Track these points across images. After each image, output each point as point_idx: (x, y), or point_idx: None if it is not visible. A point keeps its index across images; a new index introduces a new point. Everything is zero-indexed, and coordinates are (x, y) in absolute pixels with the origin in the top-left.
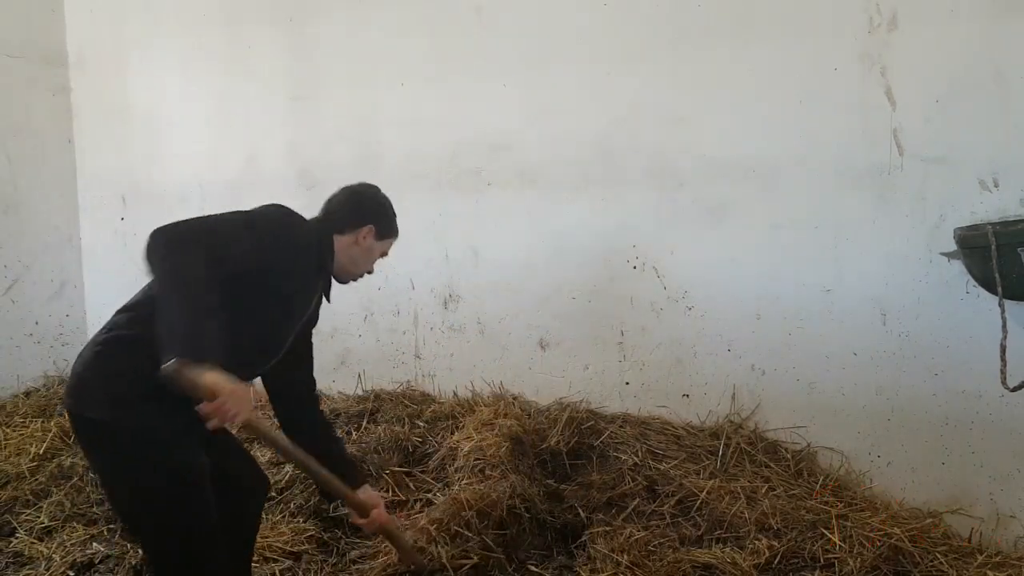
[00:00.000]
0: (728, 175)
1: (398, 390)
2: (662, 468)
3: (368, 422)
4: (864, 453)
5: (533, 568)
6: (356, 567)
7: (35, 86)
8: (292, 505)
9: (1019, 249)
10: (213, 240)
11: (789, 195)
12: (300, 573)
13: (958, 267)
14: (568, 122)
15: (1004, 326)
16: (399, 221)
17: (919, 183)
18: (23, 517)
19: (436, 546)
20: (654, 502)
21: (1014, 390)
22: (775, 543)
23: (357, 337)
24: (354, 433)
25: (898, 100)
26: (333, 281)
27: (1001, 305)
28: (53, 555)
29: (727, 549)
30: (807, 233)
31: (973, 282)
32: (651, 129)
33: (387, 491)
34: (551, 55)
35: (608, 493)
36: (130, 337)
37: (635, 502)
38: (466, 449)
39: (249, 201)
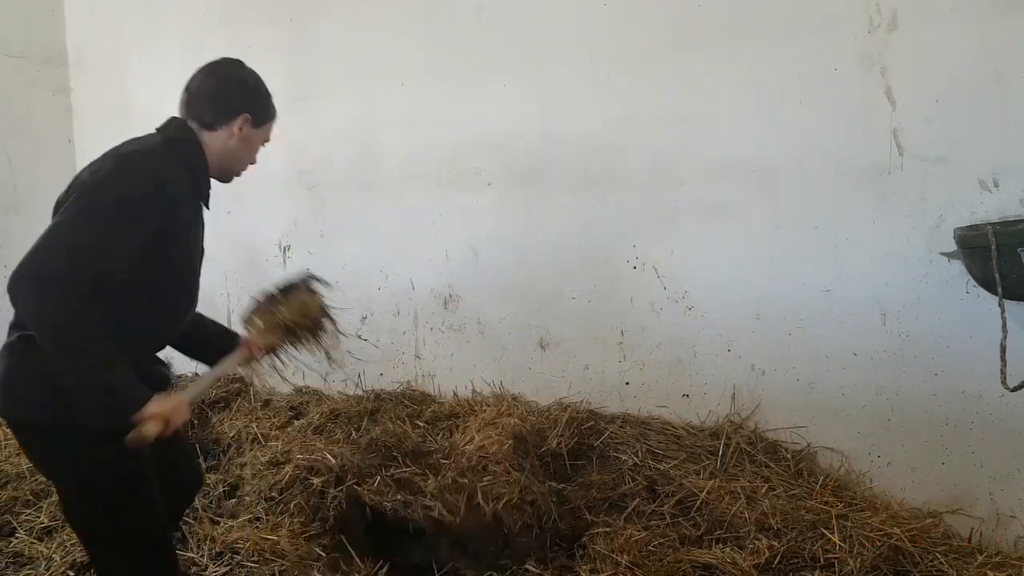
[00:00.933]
0: (728, 175)
1: (398, 390)
2: (662, 468)
3: (368, 422)
4: (864, 453)
5: (532, 568)
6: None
7: (35, 86)
8: (291, 505)
9: (1019, 249)
10: (84, 275)
11: (789, 195)
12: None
13: (958, 267)
14: (568, 122)
15: (1004, 326)
16: (399, 221)
17: (919, 183)
18: (23, 517)
19: None
20: (654, 502)
21: (1014, 390)
22: (775, 543)
23: (357, 337)
24: (354, 433)
25: (898, 100)
26: (214, 184)
27: (1001, 305)
28: (53, 555)
29: (727, 549)
30: (807, 233)
31: (973, 282)
32: (651, 129)
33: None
34: (551, 55)
35: (608, 493)
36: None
37: (635, 502)
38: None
39: (249, 201)
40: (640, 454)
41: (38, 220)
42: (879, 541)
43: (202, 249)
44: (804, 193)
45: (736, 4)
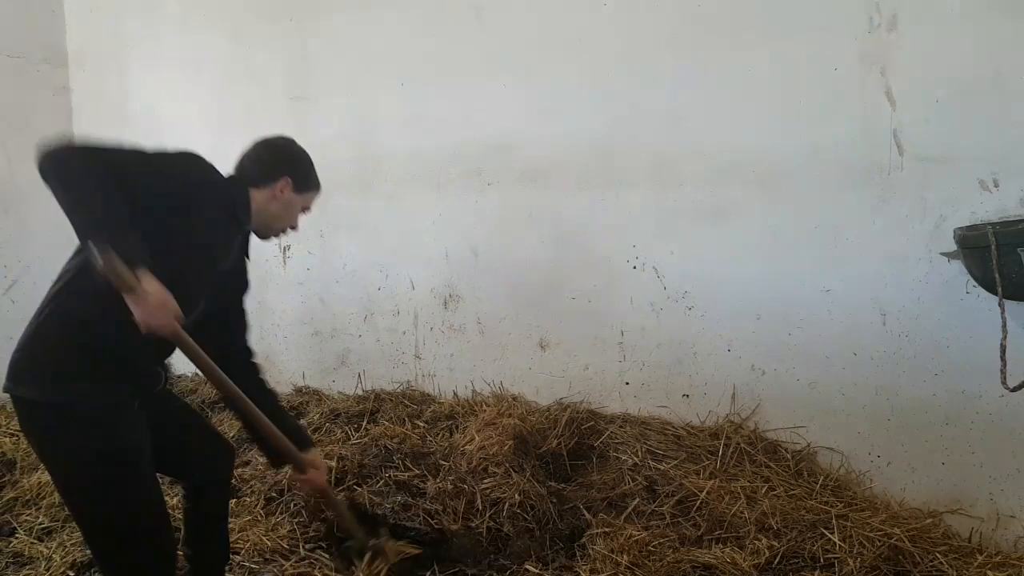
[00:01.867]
0: (728, 175)
1: (398, 390)
2: (662, 468)
3: (368, 422)
4: (864, 453)
5: (532, 569)
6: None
7: (35, 86)
8: (292, 506)
9: (1019, 249)
10: (114, 158)
11: (789, 195)
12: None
13: (958, 267)
14: (568, 122)
15: (1004, 326)
16: (399, 221)
17: (919, 183)
18: (23, 517)
19: None
20: (654, 502)
21: (1014, 390)
22: (775, 543)
23: (357, 337)
24: (353, 435)
25: (898, 100)
26: (254, 238)
27: (1001, 305)
28: (53, 555)
29: (727, 549)
30: (807, 233)
31: (973, 282)
32: (651, 129)
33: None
34: (551, 55)
35: (608, 493)
36: (61, 312)
37: (635, 502)
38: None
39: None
40: (640, 454)
41: (38, 220)
42: (879, 541)
43: (240, 284)
44: (804, 193)
45: (736, 4)
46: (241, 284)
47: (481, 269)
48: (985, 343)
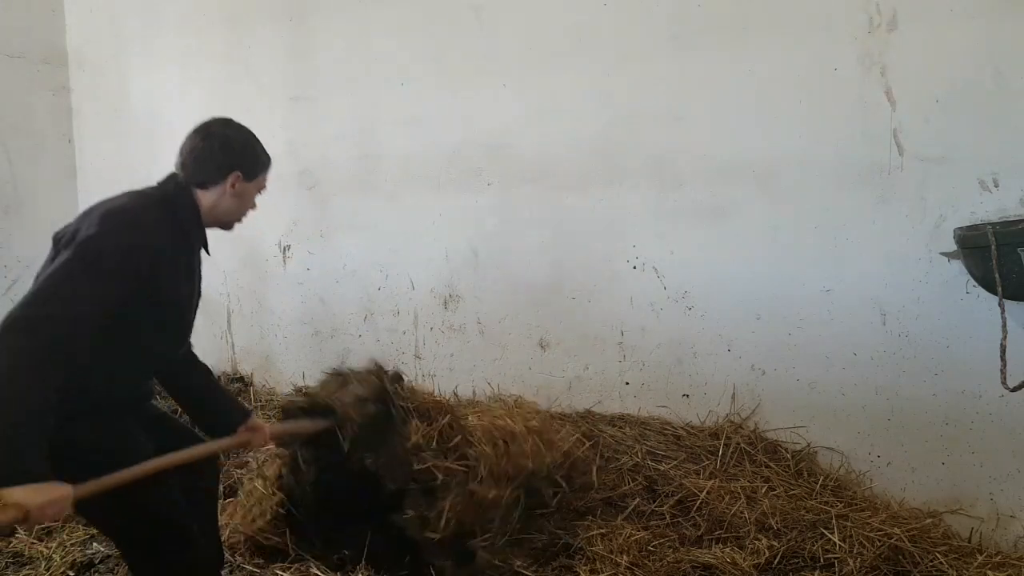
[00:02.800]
0: (728, 175)
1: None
2: (662, 468)
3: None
4: (864, 453)
5: (530, 572)
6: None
7: (35, 86)
8: None
9: (1019, 249)
10: (52, 325)
11: (789, 195)
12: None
13: (958, 267)
14: (568, 122)
15: (1004, 326)
16: (399, 221)
17: (919, 183)
18: None
19: None
20: (654, 502)
21: (1014, 390)
22: (775, 543)
23: (357, 337)
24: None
25: (898, 100)
26: (212, 232)
27: (1001, 305)
28: (53, 555)
29: (727, 549)
30: (807, 233)
31: (973, 282)
32: (651, 129)
33: None
34: (551, 55)
35: (608, 493)
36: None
37: (635, 502)
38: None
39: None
40: (640, 454)
41: (38, 220)
42: (879, 541)
43: (199, 293)
44: (804, 193)
45: (736, 4)
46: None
47: (481, 269)
48: (985, 343)
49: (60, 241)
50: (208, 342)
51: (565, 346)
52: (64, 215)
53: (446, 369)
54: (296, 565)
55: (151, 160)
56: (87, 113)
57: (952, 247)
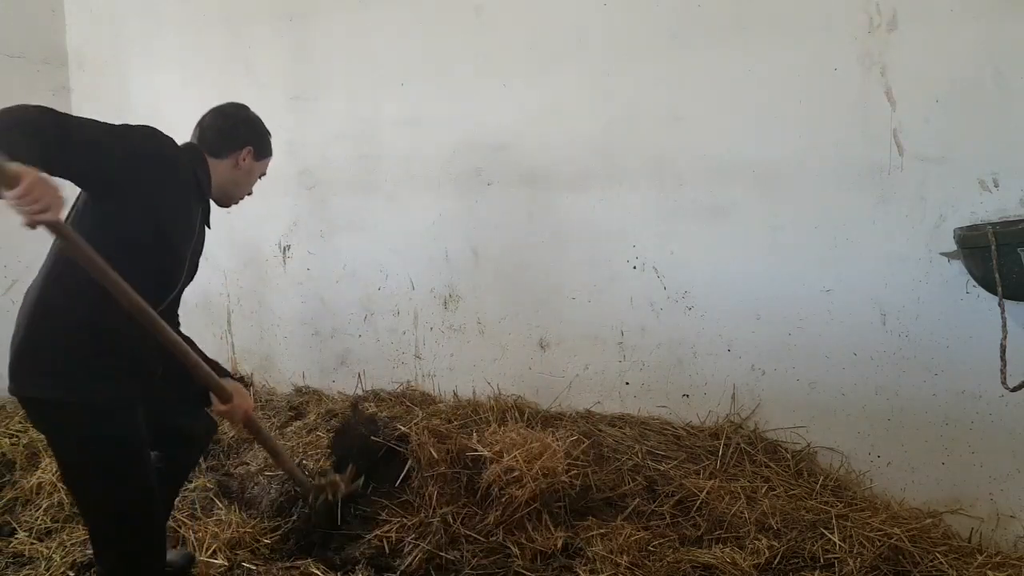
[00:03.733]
0: (728, 175)
1: (398, 390)
2: (662, 468)
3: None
4: (864, 453)
5: (530, 571)
6: None
7: (35, 86)
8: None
9: (1019, 249)
10: (63, 120)
11: (789, 195)
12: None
13: (958, 267)
14: (568, 122)
15: (1004, 326)
16: (399, 221)
17: (919, 183)
18: (23, 517)
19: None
20: (654, 502)
21: (1014, 390)
22: (775, 543)
23: (357, 337)
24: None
25: (898, 100)
26: (213, 207)
27: (1001, 305)
28: (53, 555)
29: (727, 549)
30: (807, 233)
31: (973, 282)
32: (651, 129)
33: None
34: (551, 55)
35: (607, 493)
36: (59, 312)
37: (635, 502)
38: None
39: (249, 201)
40: (640, 454)
41: None
42: (879, 541)
43: (201, 242)
44: (804, 193)
45: (736, 4)
46: (198, 247)
47: (481, 269)
48: (985, 343)
49: None
50: (208, 342)
51: (565, 346)
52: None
53: (446, 369)
54: (296, 565)
55: None
56: (87, 113)
57: (952, 247)
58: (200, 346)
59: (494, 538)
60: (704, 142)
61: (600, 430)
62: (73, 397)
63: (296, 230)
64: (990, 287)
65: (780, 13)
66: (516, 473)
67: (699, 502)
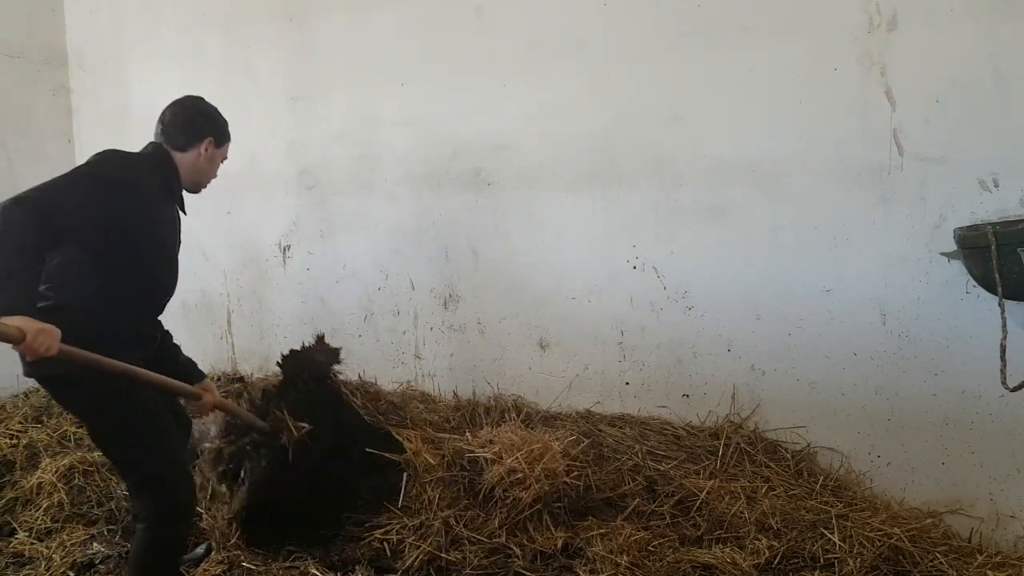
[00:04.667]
0: (728, 175)
1: (398, 390)
2: (662, 468)
3: None
4: (864, 453)
5: (530, 572)
6: None
7: (35, 86)
8: None
9: (1019, 249)
10: (42, 200)
11: (789, 195)
12: None
13: (958, 267)
14: (568, 122)
15: (1004, 326)
16: (399, 221)
17: (919, 183)
18: (23, 517)
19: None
20: (654, 502)
21: (1014, 390)
22: (775, 543)
23: (357, 337)
24: None
25: (898, 100)
26: (186, 195)
27: (1001, 305)
28: (53, 555)
29: (727, 549)
30: (807, 233)
31: (973, 282)
32: (651, 129)
33: None
34: (551, 55)
35: (607, 493)
36: (67, 303)
37: (635, 502)
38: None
39: (249, 200)
40: (640, 454)
41: None
42: (879, 541)
43: (179, 242)
44: (804, 193)
45: (736, 4)
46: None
47: (481, 269)
48: (985, 343)
49: None
50: (208, 342)
51: (565, 346)
52: None
53: (446, 369)
54: (296, 565)
55: None
56: (87, 113)
57: (952, 247)
58: (200, 346)
59: (497, 539)
60: (704, 142)
61: (600, 430)
62: (79, 372)
63: (296, 230)
64: (990, 287)
65: (780, 13)
66: (519, 475)
67: (699, 502)
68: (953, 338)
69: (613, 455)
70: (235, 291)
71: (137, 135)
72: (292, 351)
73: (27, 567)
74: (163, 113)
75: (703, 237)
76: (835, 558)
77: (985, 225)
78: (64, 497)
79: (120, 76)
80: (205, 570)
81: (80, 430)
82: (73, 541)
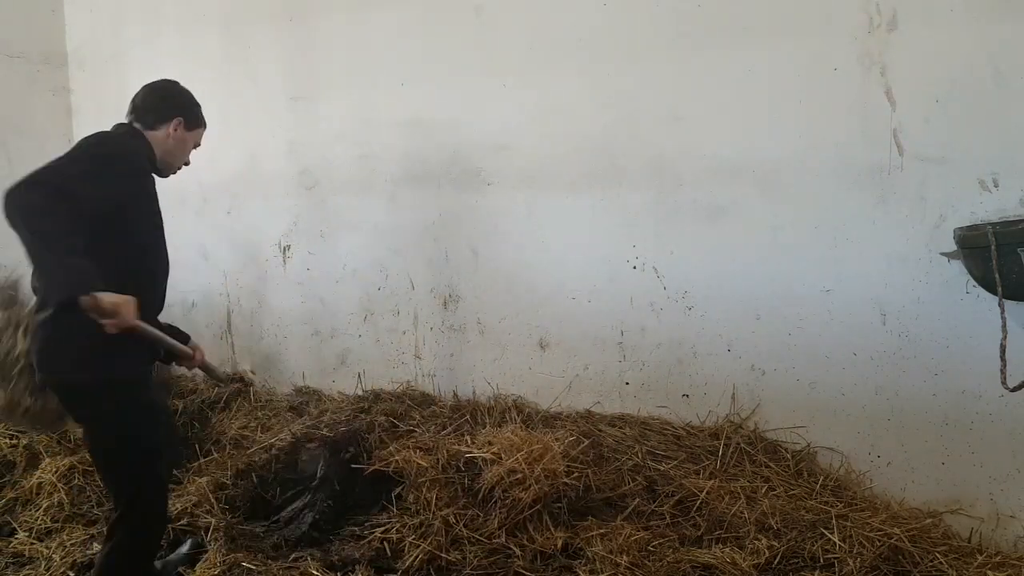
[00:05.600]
0: (728, 175)
1: (398, 390)
2: (662, 468)
3: None
4: (864, 453)
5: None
6: None
7: (35, 86)
8: None
9: (1019, 249)
10: (63, 184)
11: (789, 195)
12: None
13: (958, 267)
14: (568, 122)
15: (1004, 326)
16: (399, 221)
17: (919, 183)
18: (23, 517)
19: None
20: (654, 502)
21: (1014, 390)
22: (775, 543)
23: (357, 337)
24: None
25: (898, 100)
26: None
27: (1001, 305)
28: (53, 555)
29: (727, 549)
30: (807, 233)
31: (973, 282)
32: (651, 129)
33: None
34: (551, 55)
35: (607, 493)
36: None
37: (635, 502)
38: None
39: (249, 200)
40: (640, 454)
41: None
42: (879, 541)
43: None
44: (804, 193)
45: (736, 4)
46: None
47: (481, 269)
48: (985, 343)
49: None
50: (208, 342)
51: (565, 346)
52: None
53: (446, 369)
54: (296, 565)
55: None
56: (87, 113)
57: (952, 247)
58: (200, 347)
59: (497, 540)
60: (704, 142)
61: (600, 430)
62: (99, 376)
63: (296, 230)
64: (990, 287)
65: (780, 13)
66: (519, 475)
67: (699, 502)
68: (953, 338)
69: (613, 455)
70: (235, 291)
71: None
72: None
73: (27, 567)
74: (135, 95)
75: (703, 237)
76: (835, 558)
77: (985, 225)
78: (64, 497)
79: (120, 76)
80: (205, 570)
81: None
82: (73, 541)
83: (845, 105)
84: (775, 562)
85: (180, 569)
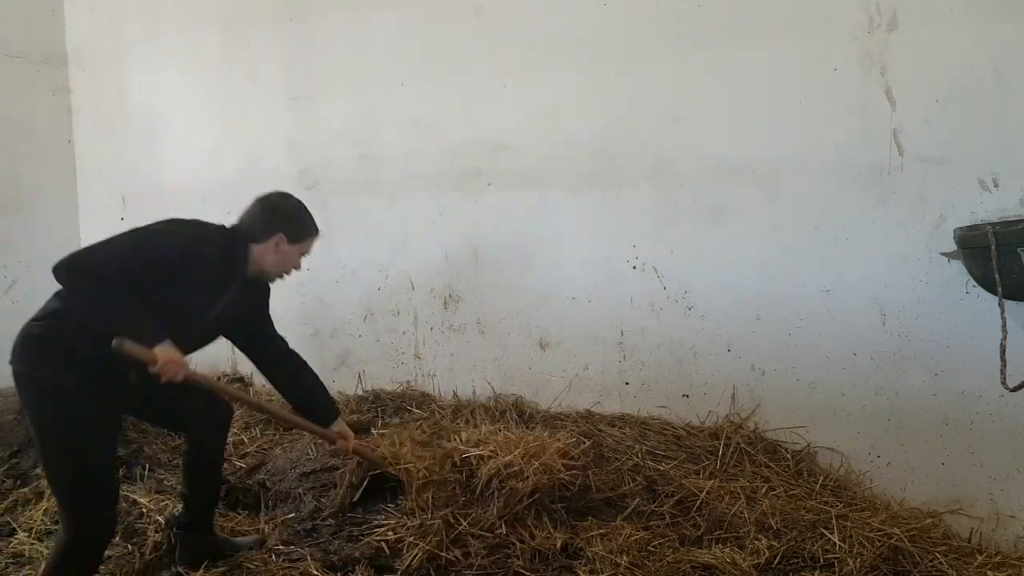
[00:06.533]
0: (728, 175)
1: (398, 390)
2: (662, 468)
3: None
4: (864, 453)
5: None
6: None
7: (35, 86)
8: None
9: (1019, 249)
10: (118, 268)
11: (789, 195)
12: None
13: (958, 267)
14: (568, 122)
15: (1004, 326)
16: (399, 221)
17: (919, 183)
18: (23, 517)
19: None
20: (654, 502)
21: (1014, 390)
22: (775, 543)
23: (357, 337)
24: None
25: (898, 100)
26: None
27: (1001, 305)
28: None
29: (727, 549)
30: (807, 233)
31: (973, 282)
32: (651, 129)
33: None
34: (551, 55)
35: (607, 493)
36: (56, 328)
37: (635, 502)
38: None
39: (249, 200)
40: (640, 454)
41: (38, 220)
42: (879, 541)
43: (227, 317)
44: (804, 193)
45: (736, 4)
46: (256, 305)
47: (481, 269)
48: (985, 343)
49: None
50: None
51: (565, 346)
52: (64, 215)
53: (446, 369)
54: (296, 565)
55: (151, 160)
56: (87, 113)
57: (952, 247)
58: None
59: (498, 531)
60: (704, 142)
61: (600, 430)
62: (42, 375)
63: None
64: (990, 287)
65: (780, 13)
66: (516, 468)
67: (699, 502)
68: (953, 338)
69: (613, 455)
70: None
71: (137, 135)
72: None
73: (27, 567)
74: (247, 206)
75: (703, 237)
76: (835, 558)
77: (985, 225)
78: None
79: (120, 76)
80: (205, 570)
81: None
82: None
83: (845, 105)
84: (775, 562)
85: (180, 569)
